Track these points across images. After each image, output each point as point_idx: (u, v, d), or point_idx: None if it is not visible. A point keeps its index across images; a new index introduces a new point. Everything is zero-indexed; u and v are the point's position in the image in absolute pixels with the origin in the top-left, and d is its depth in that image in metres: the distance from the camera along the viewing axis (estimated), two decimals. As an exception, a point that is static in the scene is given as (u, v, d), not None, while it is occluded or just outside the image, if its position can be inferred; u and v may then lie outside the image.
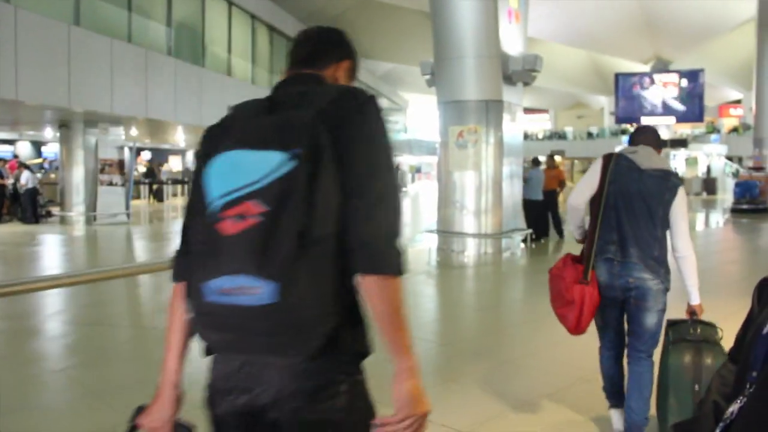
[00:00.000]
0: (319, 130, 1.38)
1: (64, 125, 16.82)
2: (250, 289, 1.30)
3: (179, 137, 25.01)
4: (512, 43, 12.38)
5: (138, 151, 26.21)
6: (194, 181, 1.49)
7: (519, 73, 12.13)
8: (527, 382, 4.64)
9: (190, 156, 40.39)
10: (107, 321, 6.71)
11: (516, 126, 12.59)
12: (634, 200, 3.34)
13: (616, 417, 3.67)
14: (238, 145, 1.40)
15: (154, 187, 24.71)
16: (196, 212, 1.43)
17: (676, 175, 3.47)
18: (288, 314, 1.32)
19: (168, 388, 1.56)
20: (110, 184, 17.46)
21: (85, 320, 6.73)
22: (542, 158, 14.27)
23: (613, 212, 3.37)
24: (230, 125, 1.50)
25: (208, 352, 1.51)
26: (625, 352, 3.53)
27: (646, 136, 3.61)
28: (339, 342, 1.41)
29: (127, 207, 17.64)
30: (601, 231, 3.39)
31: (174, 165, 37.19)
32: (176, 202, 21.32)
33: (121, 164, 17.63)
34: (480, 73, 11.61)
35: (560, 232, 13.76)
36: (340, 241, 1.38)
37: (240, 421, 1.48)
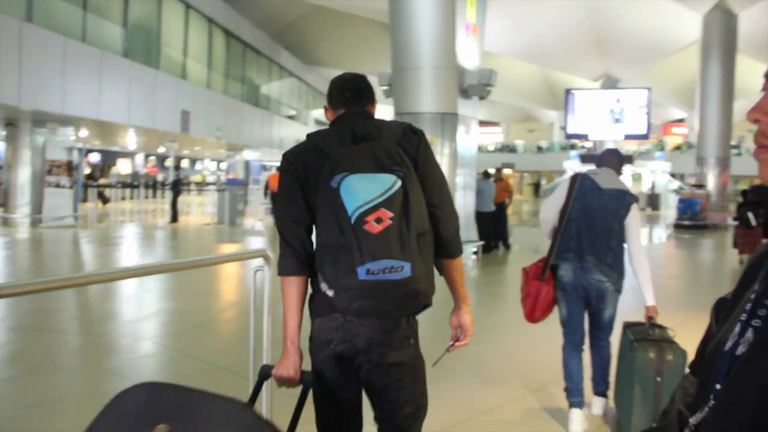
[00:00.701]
0: (403, 157, 2.04)
1: (10, 123, 16.37)
2: (396, 269, 1.93)
3: (130, 139, 24.61)
4: (469, 57, 12.56)
5: (85, 153, 25.66)
6: (293, 197, 2.11)
7: (475, 87, 12.31)
8: (476, 393, 4.71)
9: (139, 159, 39.72)
10: (52, 328, 6.56)
11: (470, 138, 12.77)
12: (594, 215, 3.90)
13: (575, 417, 3.97)
14: (356, 170, 1.99)
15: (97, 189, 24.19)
16: (328, 220, 2.00)
17: (631, 194, 3.96)
18: (415, 285, 1.97)
19: (292, 346, 2.11)
20: (57, 186, 17.00)
21: (29, 327, 6.57)
22: (491, 170, 14.48)
23: (575, 224, 3.92)
24: (326, 153, 2.06)
25: (317, 315, 2.12)
26: (587, 344, 4.13)
27: (611, 159, 4.14)
28: None
29: (75, 210, 17.25)
30: (562, 239, 3.94)
31: (123, 168, 36.54)
32: (125, 206, 20.84)
33: (69, 165, 17.19)
34: (437, 86, 11.75)
35: (507, 245, 13.96)
36: (430, 235, 2.10)
37: (334, 363, 2.10)
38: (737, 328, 0.84)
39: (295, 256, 2.10)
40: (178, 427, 1.65)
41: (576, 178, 4.03)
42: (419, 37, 11.68)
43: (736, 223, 12.59)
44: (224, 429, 1.61)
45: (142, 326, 6.78)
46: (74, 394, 4.52)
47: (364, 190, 1.95)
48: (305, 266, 2.11)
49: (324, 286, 2.03)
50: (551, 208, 4.02)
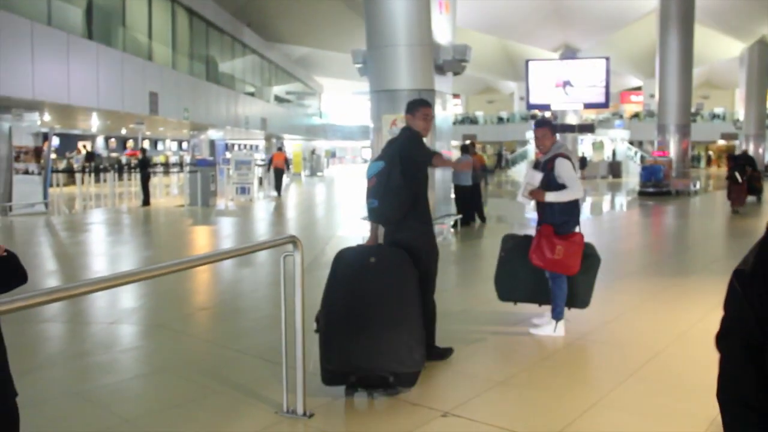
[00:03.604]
0: (395, 151, 4.52)
1: (-26, 111, 15.99)
2: (373, 203, 4.45)
3: (93, 122, 24.18)
4: (442, 33, 12.67)
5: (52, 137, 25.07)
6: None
7: (450, 62, 12.44)
8: (473, 368, 4.89)
9: (100, 141, 38.98)
10: (48, 318, 6.57)
11: (446, 113, 12.92)
12: None
13: (561, 326, 5.37)
14: (374, 159, 4.94)
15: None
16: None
17: None
18: (379, 210, 4.46)
19: (374, 235, 4.71)
20: (26, 172, 16.72)
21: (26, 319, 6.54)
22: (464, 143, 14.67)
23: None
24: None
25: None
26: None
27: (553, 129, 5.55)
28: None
29: (45, 196, 16.98)
30: (579, 206, 5.44)
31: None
32: (91, 190, 20.35)
33: (37, 151, 16.92)
34: (412, 63, 11.84)
35: (483, 218, 14.20)
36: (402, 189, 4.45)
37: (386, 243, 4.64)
38: None
39: None
40: (379, 258, 4.19)
41: (569, 157, 5.37)
42: (394, 15, 11.74)
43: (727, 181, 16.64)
44: (396, 257, 4.22)
45: (146, 312, 6.79)
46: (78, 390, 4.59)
47: (373, 168, 4.49)
48: None
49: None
50: (582, 186, 5.41)
